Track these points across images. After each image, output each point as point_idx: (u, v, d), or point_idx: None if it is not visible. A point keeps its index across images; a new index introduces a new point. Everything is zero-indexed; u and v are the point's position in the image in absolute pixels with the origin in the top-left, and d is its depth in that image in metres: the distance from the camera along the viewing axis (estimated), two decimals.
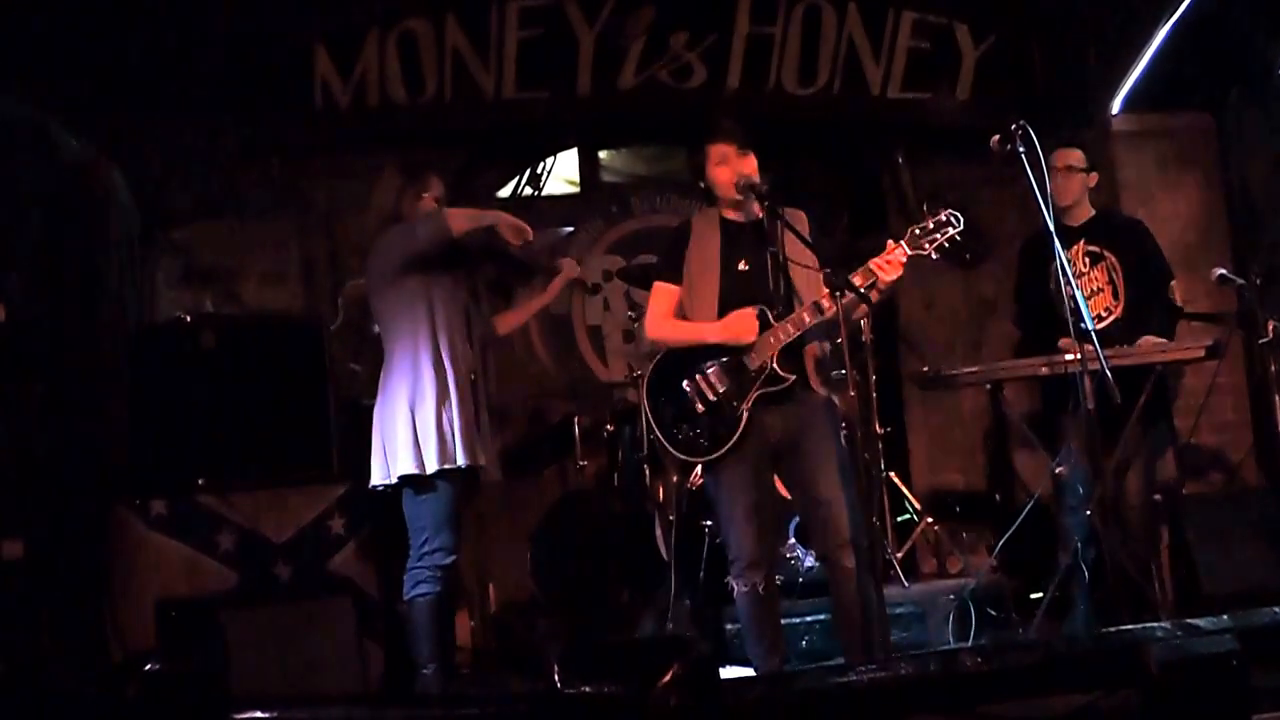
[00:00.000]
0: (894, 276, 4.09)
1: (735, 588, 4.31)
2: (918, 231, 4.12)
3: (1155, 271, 5.18)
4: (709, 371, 4.25)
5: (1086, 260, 5.16)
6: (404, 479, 4.45)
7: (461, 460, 4.41)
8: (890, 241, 4.13)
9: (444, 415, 4.42)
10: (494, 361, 4.97)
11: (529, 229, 4.58)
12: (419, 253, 4.51)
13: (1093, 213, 5.23)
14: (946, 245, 4.12)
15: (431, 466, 4.40)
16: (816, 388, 4.28)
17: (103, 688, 4.67)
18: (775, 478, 4.49)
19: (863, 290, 4.04)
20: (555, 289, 5.13)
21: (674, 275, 4.40)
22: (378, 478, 4.52)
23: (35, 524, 4.98)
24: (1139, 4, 6.27)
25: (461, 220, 4.50)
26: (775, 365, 4.19)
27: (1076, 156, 5.17)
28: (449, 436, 4.41)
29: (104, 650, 4.97)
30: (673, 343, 4.37)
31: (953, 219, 4.11)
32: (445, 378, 4.46)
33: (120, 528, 4.98)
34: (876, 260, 4.10)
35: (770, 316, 4.20)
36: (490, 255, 4.69)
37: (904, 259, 4.10)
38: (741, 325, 4.21)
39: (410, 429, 4.43)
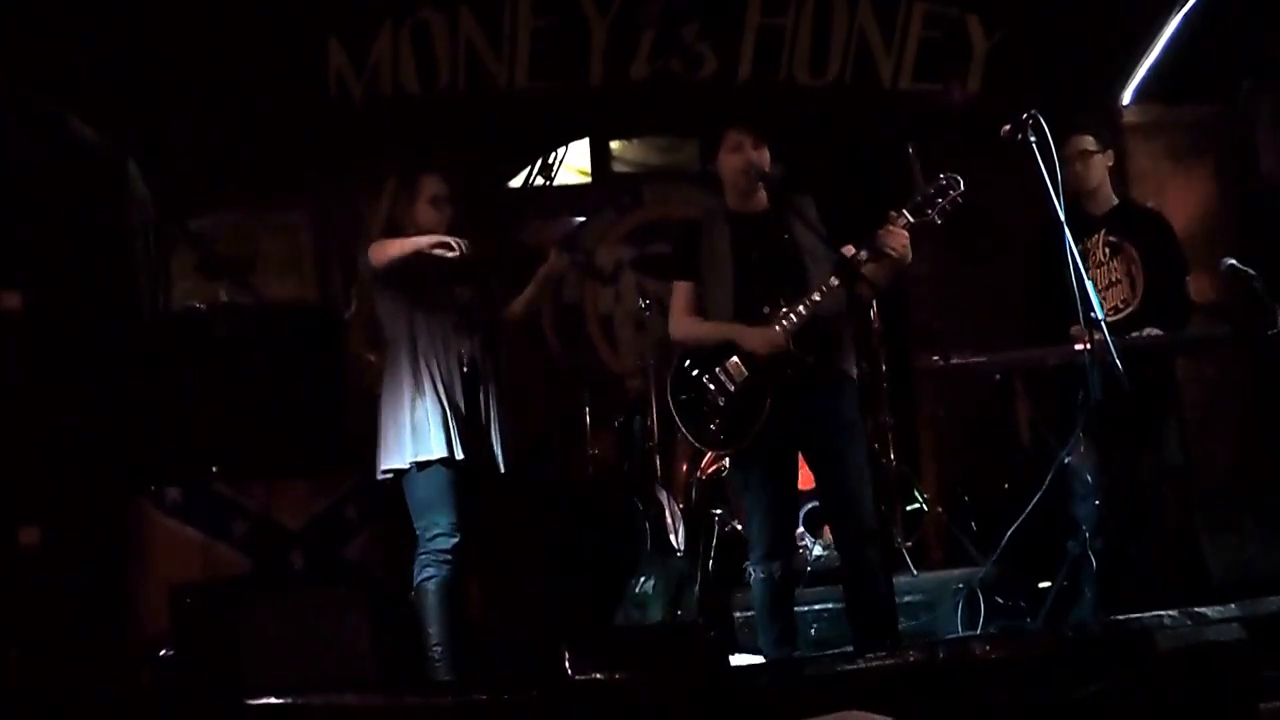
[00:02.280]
0: (899, 246, 4.08)
1: (752, 574, 4.35)
2: (920, 199, 4.11)
3: (1173, 266, 5.12)
4: (729, 364, 4.26)
5: (1106, 250, 5.09)
6: (393, 473, 4.60)
7: (438, 452, 4.52)
8: (891, 212, 4.12)
9: (417, 410, 4.56)
10: (505, 353, 4.98)
11: (453, 240, 4.58)
12: (372, 276, 4.70)
13: (1115, 202, 5.18)
14: (949, 209, 4.10)
15: (407, 458, 4.54)
16: (841, 367, 4.30)
17: (118, 673, 4.73)
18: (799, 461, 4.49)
19: (866, 259, 4.10)
20: (538, 283, 4.98)
21: (690, 272, 4.42)
22: (378, 473, 4.67)
23: (51, 511, 5.03)
24: None
25: (381, 253, 4.62)
26: (794, 351, 4.18)
27: (1088, 140, 5.09)
28: (424, 429, 4.54)
29: (119, 636, 5.02)
30: (698, 342, 4.38)
31: (953, 181, 4.10)
32: (420, 375, 4.59)
33: (136, 515, 5.03)
34: (880, 232, 4.10)
35: (783, 305, 4.20)
36: (482, 256, 4.70)
37: (905, 228, 4.09)
38: (763, 340, 4.19)
39: (393, 425, 4.59)
